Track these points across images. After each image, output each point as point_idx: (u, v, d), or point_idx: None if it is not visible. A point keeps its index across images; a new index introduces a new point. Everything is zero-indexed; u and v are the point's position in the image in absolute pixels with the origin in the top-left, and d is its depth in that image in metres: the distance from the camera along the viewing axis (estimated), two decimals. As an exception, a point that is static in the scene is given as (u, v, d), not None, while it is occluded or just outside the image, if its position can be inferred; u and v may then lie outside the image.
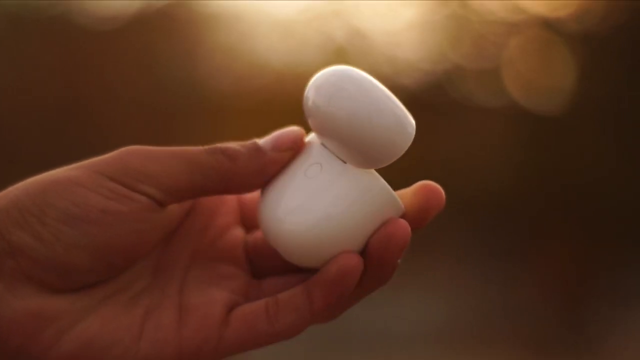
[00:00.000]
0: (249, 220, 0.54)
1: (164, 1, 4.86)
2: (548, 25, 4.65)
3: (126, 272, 0.49)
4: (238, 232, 0.54)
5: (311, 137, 0.51)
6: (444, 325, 3.95)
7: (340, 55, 4.87)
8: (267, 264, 0.52)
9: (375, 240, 0.48)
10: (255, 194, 0.52)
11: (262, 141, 0.50)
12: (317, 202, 0.48)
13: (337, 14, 4.90)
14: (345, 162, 0.48)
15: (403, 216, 0.49)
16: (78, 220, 0.46)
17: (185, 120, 4.60)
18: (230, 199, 0.54)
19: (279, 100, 4.57)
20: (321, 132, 0.49)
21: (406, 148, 0.48)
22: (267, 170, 0.49)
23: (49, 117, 4.60)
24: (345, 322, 3.78)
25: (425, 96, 4.67)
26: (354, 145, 0.48)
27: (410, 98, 4.72)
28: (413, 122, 0.49)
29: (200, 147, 0.48)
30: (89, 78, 4.68)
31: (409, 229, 0.48)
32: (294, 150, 0.50)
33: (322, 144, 0.49)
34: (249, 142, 0.50)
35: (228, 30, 4.93)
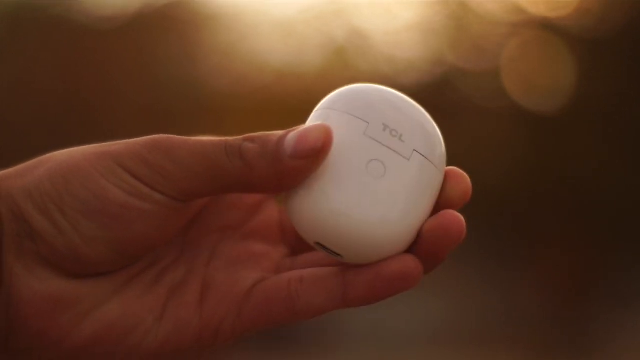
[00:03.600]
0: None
1: (164, 1, 4.86)
2: (548, 26, 4.65)
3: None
4: (272, 209, 0.52)
5: (337, 112, 0.48)
6: (444, 325, 3.95)
7: (340, 55, 4.87)
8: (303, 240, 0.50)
9: (430, 235, 0.46)
10: None
11: (287, 138, 0.46)
12: (396, 200, 0.47)
13: (337, 14, 4.90)
14: (405, 158, 0.47)
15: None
16: (97, 214, 0.45)
17: (185, 119, 4.60)
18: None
19: (279, 100, 4.57)
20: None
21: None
22: (288, 177, 0.46)
23: (49, 116, 4.60)
24: (346, 322, 3.78)
25: (425, 96, 4.65)
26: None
27: (410, 98, 4.72)
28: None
29: (222, 144, 0.46)
30: (89, 77, 4.68)
31: (464, 223, 0.47)
32: (319, 156, 0.45)
33: (365, 134, 0.47)
34: (272, 141, 0.46)
35: (228, 30, 4.93)
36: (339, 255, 0.47)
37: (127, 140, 0.47)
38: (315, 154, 0.45)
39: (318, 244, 0.47)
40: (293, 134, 0.46)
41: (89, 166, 0.46)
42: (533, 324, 3.91)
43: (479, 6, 4.75)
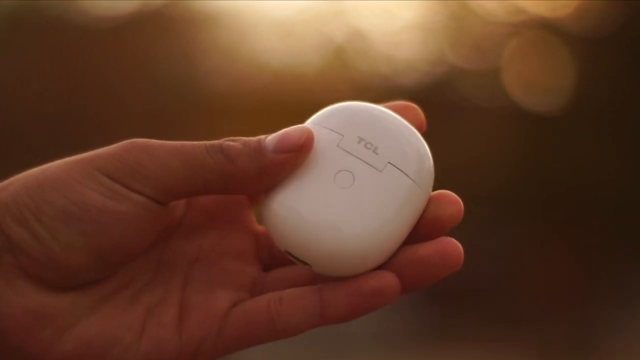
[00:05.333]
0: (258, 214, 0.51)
1: (163, 0, 4.86)
2: (548, 26, 4.65)
3: (127, 269, 0.48)
4: (244, 228, 0.52)
5: (315, 126, 0.48)
6: (445, 325, 3.95)
7: (339, 56, 4.87)
8: (277, 256, 0.51)
9: (426, 260, 0.46)
10: None
11: (268, 139, 0.46)
12: (364, 211, 0.46)
13: (337, 14, 4.90)
14: (377, 170, 0.47)
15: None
16: (75, 219, 0.45)
17: (183, 119, 4.60)
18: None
19: (278, 100, 4.57)
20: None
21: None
22: (269, 173, 0.46)
23: (48, 115, 4.60)
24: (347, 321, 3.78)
25: (425, 96, 4.66)
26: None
27: (410, 98, 4.71)
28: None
29: (201, 144, 0.46)
30: (88, 77, 4.68)
31: (462, 253, 0.47)
32: (301, 152, 0.46)
33: (338, 146, 0.47)
34: (253, 140, 0.46)
35: (227, 30, 4.93)
36: (307, 264, 0.46)
37: (104, 148, 0.47)
38: (297, 149, 0.46)
39: (287, 252, 0.47)
40: (275, 134, 0.46)
41: (65, 175, 0.46)
42: (536, 324, 3.91)
43: (479, 6, 4.75)
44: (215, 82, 4.80)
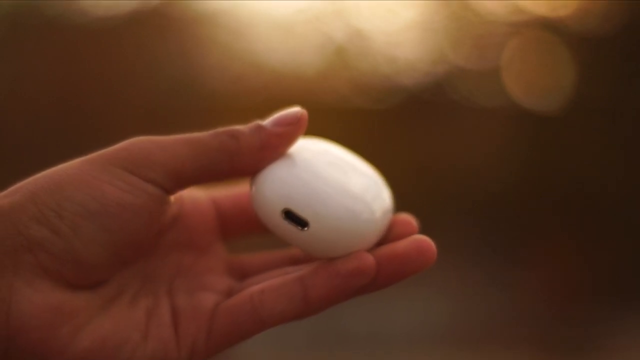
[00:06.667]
0: (230, 233, 0.56)
1: (163, 0, 4.86)
2: (548, 26, 4.65)
3: (119, 277, 0.50)
4: (219, 250, 0.55)
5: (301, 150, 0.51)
6: (446, 325, 3.95)
7: (340, 55, 4.87)
8: (250, 269, 0.54)
9: (403, 255, 0.49)
10: (237, 210, 0.54)
11: (266, 120, 0.51)
12: (362, 187, 0.50)
13: (337, 14, 4.90)
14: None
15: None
16: (97, 215, 0.46)
17: (183, 120, 4.59)
18: (211, 218, 0.55)
19: (278, 100, 4.56)
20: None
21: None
22: (271, 145, 0.50)
23: (46, 115, 4.60)
24: (348, 321, 3.78)
25: (426, 96, 4.67)
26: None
27: (410, 98, 4.72)
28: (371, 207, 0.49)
29: (204, 132, 0.49)
30: (87, 77, 4.68)
31: (436, 251, 0.50)
32: (298, 125, 0.50)
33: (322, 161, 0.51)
34: (252, 123, 0.51)
35: (226, 29, 4.93)
36: (305, 224, 0.48)
37: (111, 146, 0.48)
38: (295, 121, 0.50)
39: (286, 213, 0.48)
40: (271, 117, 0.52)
41: (81, 172, 0.47)
42: (538, 323, 3.92)
43: (479, 6, 4.75)
44: (215, 81, 4.81)
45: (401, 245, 0.49)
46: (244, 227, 0.55)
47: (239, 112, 4.67)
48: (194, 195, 0.56)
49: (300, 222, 0.48)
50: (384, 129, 4.62)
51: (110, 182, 0.46)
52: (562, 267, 4.34)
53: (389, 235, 0.51)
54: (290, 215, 0.48)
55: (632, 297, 4.02)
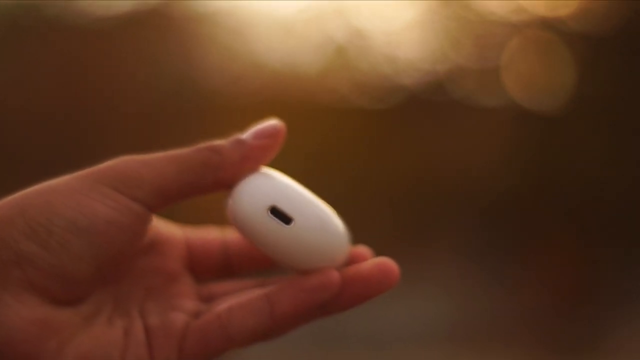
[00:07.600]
0: (198, 266, 0.57)
1: (162, 0, 4.86)
2: (548, 25, 4.65)
3: (94, 296, 0.51)
4: (189, 278, 0.57)
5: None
6: (448, 324, 3.95)
7: (340, 55, 4.87)
8: (218, 295, 0.56)
9: (367, 275, 0.51)
10: (206, 245, 0.57)
11: (244, 134, 0.52)
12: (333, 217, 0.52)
13: (337, 13, 4.90)
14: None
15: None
16: (86, 232, 0.47)
17: (183, 120, 4.60)
18: (181, 247, 0.56)
19: (278, 100, 4.57)
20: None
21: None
22: (252, 157, 0.51)
23: (46, 116, 4.60)
24: (350, 321, 3.79)
25: (426, 96, 4.67)
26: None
27: (411, 98, 4.72)
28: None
29: (186, 148, 0.50)
30: (87, 77, 4.68)
31: (398, 271, 0.51)
32: (277, 137, 0.52)
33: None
34: (233, 137, 0.52)
35: (226, 29, 4.93)
36: (289, 220, 0.50)
37: (100, 164, 0.50)
38: (274, 133, 0.52)
39: (272, 209, 0.50)
40: (248, 131, 0.53)
41: (71, 189, 0.48)
42: (539, 323, 3.92)
43: (479, 6, 4.75)
44: (215, 81, 4.81)
45: (366, 266, 0.50)
46: (209, 270, 0.57)
47: (239, 112, 4.67)
48: (170, 228, 0.57)
49: (285, 219, 0.50)
50: (384, 129, 4.62)
51: (98, 200, 0.47)
52: (563, 266, 4.34)
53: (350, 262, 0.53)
54: (275, 212, 0.50)
55: (633, 297, 4.03)
